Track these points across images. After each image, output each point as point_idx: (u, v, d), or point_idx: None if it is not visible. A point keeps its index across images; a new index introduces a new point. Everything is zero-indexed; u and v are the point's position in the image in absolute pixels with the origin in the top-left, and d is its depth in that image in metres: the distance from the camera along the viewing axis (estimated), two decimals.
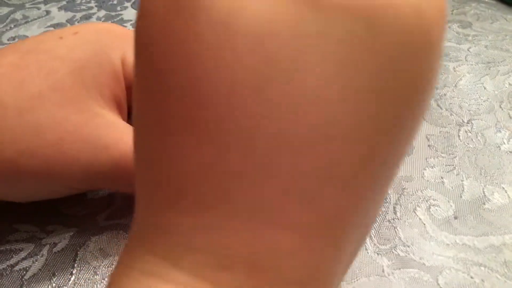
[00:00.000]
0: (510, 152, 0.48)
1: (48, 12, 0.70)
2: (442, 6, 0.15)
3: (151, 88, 0.16)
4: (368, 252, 0.38)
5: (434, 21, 0.15)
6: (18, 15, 0.69)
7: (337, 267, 0.17)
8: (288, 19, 0.13)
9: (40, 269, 0.36)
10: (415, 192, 0.44)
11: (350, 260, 0.18)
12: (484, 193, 0.44)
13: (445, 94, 0.57)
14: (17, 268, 0.36)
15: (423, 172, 0.46)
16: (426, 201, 0.43)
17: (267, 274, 0.15)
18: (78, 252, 0.37)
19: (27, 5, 0.72)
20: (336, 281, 0.17)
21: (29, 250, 0.38)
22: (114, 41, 0.31)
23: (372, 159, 0.15)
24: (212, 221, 0.15)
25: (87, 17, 0.70)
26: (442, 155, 0.48)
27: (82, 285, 0.35)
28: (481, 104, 0.56)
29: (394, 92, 0.14)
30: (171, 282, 0.15)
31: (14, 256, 0.37)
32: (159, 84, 0.15)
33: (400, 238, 0.39)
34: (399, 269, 0.37)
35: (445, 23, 0.15)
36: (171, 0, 0.14)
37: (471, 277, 0.36)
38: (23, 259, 0.37)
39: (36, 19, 0.68)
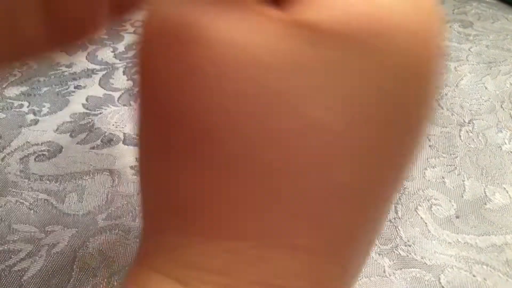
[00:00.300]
0: (511, 152, 0.48)
1: None
2: (438, 29, 0.15)
3: (154, 117, 0.16)
4: None
5: (431, 45, 0.15)
6: None
7: (344, 282, 0.17)
8: (286, 50, 0.13)
9: (39, 270, 0.36)
10: (417, 192, 0.43)
11: (357, 272, 0.18)
12: (485, 193, 0.43)
13: (446, 94, 0.57)
14: (15, 268, 0.36)
15: (424, 172, 0.46)
16: (428, 200, 0.42)
17: None
18: (77, 253, 0.37)
19: None
20: None
21: (28, 251, 0.37)
22: None
23: (373, 183, 0.15)
24: (220, 244, 0.15)
25: None
26: (443, 155, 0.48)
27: (82, 286, 0.35)
28: (482, 104, 0.55)
29: (394, 118, 0.14)
30: None
31: (12, 256, 0.37)
32: (162, 113, 0.15)
33: (401, 238, 0.39)
34: (401, 269, 0.36)
35: (441, 47, 0.15)
36: (171, 32, 0.14)
37: (473, 276, 0.36)
38: (22, 259, 0.37)
39: None
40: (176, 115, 0.15)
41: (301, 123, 0.14)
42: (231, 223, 0.15)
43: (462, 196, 0.43)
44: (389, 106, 0.14)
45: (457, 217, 0.41)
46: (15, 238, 0.38)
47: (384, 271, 0.36)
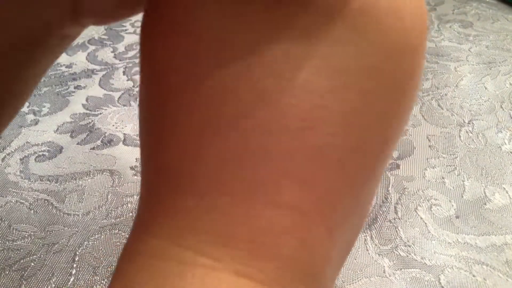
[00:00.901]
0: (511, 152, 0.48)
1: None
2: (422, 10, 0.17)
3: (154, 83, 0.17)
4: (369, 253, 0.38)
5: (413, 25, 0.16)
6: None
7: (331, 251, 0.18)
8: (281, 20, 0.14)
9: (39, 270, 0.36)
10: (416, 192, 0.43)
11: (344, 252, 0.19)
12: (485, 193, 0.43)
13: (446, 94, 0.57)
14: (16, 268, 0.36)
15: (424, 172, 0.46)
16: (428, 200, 0.42)
17: (265, 251, 0.16)
18: (77, 253, 0.37)
19: None
20: (331, 269, 0.18)
21: (28, 250, 0.37)
22: None
23: (357, 147, 0.16)
24: (213, 202, 0.16)
25: None
26: (443, 155, 0.48)
27: (82, 285, 0.35)
28: (482, 105, 0.55)
29: (377, 89, 0.16)
30: (175, 261, 0.16)
31: (12, 256, 0.37)
32: (161, 78, 0.16)
33: (401, 238, 0.39)
34: (400, 269, 0.36)
35: (425, 27, 0.17)
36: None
37: (473, 276, 0.36)
38: (22, 259, 0.37)
39: None
40: (174, 80, 0.16)
41: (290, 85, 0.15)
42: (221, 180, 0.16)
43: (462, 196, 0.43)
44: (374, 77, 0.15)
45: (457, 217, 0.41)
46: (15, 238, 0.38)
47: (384, 272, 0.36)
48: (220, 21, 0.15)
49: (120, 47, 0.70)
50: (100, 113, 0.55)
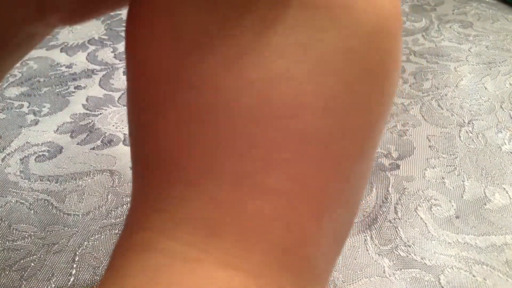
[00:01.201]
0: (511, 152, 0.48)
1: None
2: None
3: (139, 74, 0.17)
4: (369, 253, 0.38)
5: (385, 8, 0.16)
6: None
7: (320, 238, 0.18)
8: (257, 7, 0.15)
9: (39, 270, 0.36)
10: (416, 192, 0.43)
11: (336, 243, 0.19)
12: (485, 193, 0.43)
13: (446, 94, 0.57)
14: (16, 268, 0.36)
15: (424, 173, 0.46)
16: (428, 201, 0.42)
17: (253, 238, 0.16)
18: (77, 253, 0.37)
19: None
20: (322, 259, 0.18)
21: (28, 251, 0.37)
22: None
23: (342, 131, 0.17)
24: (200, 190, 0.16)
25: None
26: (443, 155, 0.48)
27: (82, 285, 0.35)
28: (482, 105, 0.55)
29: (356, 73, 0.16)
30: (165, 254, 0.16)
31: (12, 256, 0.37)
32: (145, 71, 0.17)
33: (401, 238, 0.39)
34: (400, 269, 0.36)
35: (398, 10, 0.17)
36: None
37: (473, 276, 0.36)
38: (22, 259, 0.37)
39: None
40: (157, 70, 0.16)
41: (272, 74, 0.15)
42: (208, 168, 0.16)
43: (462, 197, 0.43)
44: (351, 61, 0.16)
45: (457, 217, 0.41)
46: (15, 238, 0.38)
47: (384, 272, 0.36)
48: (198, 7, 0.15)
49: (120, 47, 0.70)
50: (100, 113, 0.55)
